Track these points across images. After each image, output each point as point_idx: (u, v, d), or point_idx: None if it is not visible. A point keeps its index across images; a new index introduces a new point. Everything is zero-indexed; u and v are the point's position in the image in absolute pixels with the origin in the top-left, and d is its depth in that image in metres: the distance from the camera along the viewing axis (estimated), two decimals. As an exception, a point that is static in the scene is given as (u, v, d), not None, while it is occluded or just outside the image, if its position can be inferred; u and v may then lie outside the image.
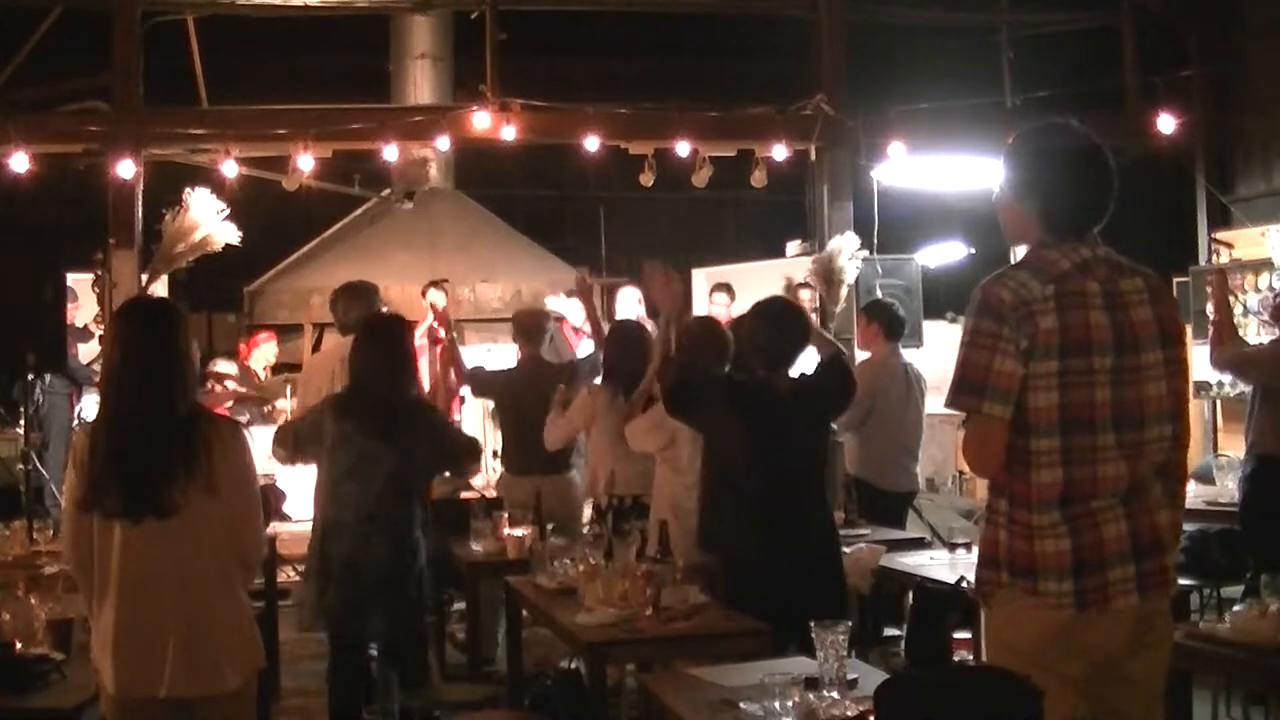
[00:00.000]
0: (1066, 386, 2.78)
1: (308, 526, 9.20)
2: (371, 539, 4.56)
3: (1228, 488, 6.66)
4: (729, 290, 9.51)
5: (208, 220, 8.52)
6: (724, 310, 9.10)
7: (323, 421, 4.67)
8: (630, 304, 8.91)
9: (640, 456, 5.71)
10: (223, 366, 10.04)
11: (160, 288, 8.83)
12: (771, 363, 4.74)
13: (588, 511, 6.43)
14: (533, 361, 6.66)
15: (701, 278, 10.50)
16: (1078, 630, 2.78)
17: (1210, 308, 6.70)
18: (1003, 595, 2.86)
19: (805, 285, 9.41)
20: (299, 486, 9.18)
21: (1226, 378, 8.45)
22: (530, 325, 6.74)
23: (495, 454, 7.97)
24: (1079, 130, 2.95)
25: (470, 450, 5.02)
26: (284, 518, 8.64)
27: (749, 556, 4.58)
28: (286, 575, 7.40)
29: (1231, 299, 7.07)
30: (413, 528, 4.65)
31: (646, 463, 5.71)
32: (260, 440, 8.41)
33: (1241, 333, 8.65)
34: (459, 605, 6.80)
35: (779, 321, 4.79)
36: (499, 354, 8.82)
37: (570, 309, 9.11)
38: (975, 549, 5.20)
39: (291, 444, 4.79)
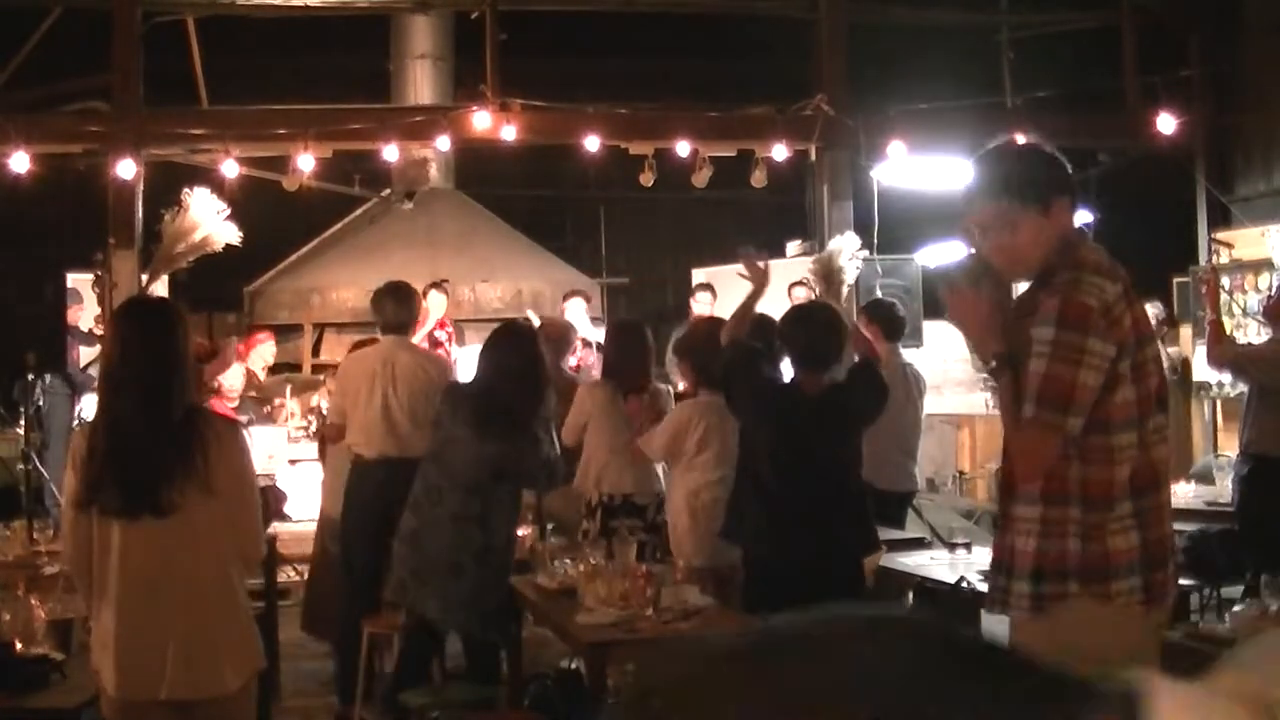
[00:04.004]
0: (1137, 380, 2.81)
1: (309, 526, 9.23)
2: (438, 522, 4.65)
3: (1227, 488, 6.67)
4: (711, 290, 9.65)
5: (208, 220, 8.51)
6: (707, 309, 9.27)
7: (437, 405, 4.92)
8: (579, 313, 8.99)
9: (635, 456, 5.70)
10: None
11: (160, 288, 8.81)
12: (804, 365, 4.72)
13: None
14: (552, 371, 6.67)
15: (702, 277, 10.52)
16: (1145, 628, 2.82)
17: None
18: (1070, 606, 2.79)
19: (802, 284, 9.45)
20: (299, 487, 9.20)
21: (1226, 377, 8.46)
22: (558, 335, 6.82)
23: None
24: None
25: (550, 472, 5.07)
26: (284, 518, 8.64)
27: (766, 552, 4.58)
28: (286, 575, 7.41)
29: (1225, 297, 7.08)
30: (485, 525, 4.68)
31: (641, 462, 5.71)
32: (260, 440, 8.48)
33: (1242, 333, 8.68)
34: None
35: (813, 326, 4.79)
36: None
37: (575, 313, 9.15)
38: (976, 550, 5.24)
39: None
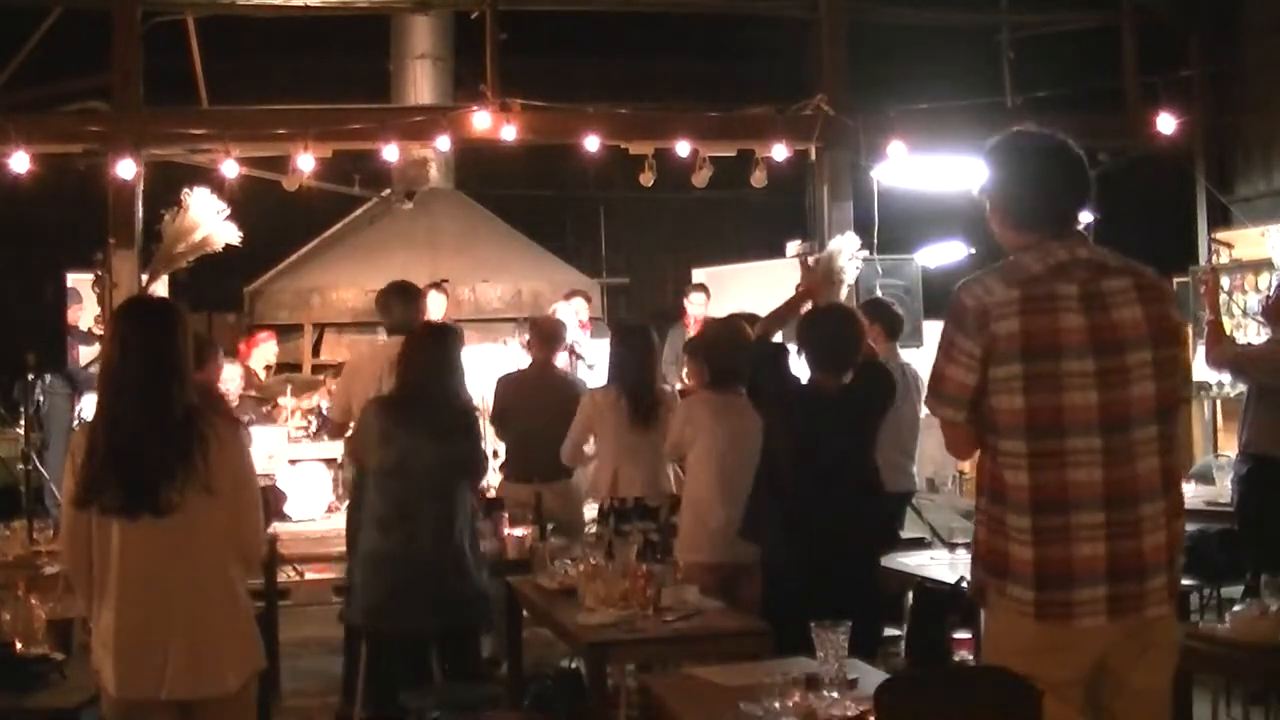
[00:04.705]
0: (1032, 390, 2.78)
1: (309, 526, 9.20)
2: (415, 535, 4.67)
3: (1227, 488, 6.66)
4: (705, 291, 9.67)
5: (208, 220, 8.52)
6: (701, 310, 9.29)
7: (371, 421, 4.84)
8: (568, 316, 9.01)
9: (644, 458, 5.71)
10: (226, 369, 10.04)
11: (160, 288, 8.82)
12: (823, 367, 4.70)
13: (589, 514, 6.43)
14: (544, 368, 6.65)
15: (702, 277, 10.53)
16: (1050, 638, 2.79)
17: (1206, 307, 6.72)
18: (988, 595, 2.90)
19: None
20: (299, 487, 9.20)
21: (1226, 377, 8.46)
22: (550, 332, 6.75)
23: (495, 454, 7.97)
24: (1041, 133, 2.99)
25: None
26: (284, 518, 8.65)
27: (784, 553, 4.58)
28: (286, 575, 7.41)
29: (1225, 297, 7.08)
30: (454, 524, 4.74)
31: (651, 464, 5.71)
32: (260, 440, 8.48)
33: (1242, 333, 8.68)
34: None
35: (833, 327, 4.77)
36: (504, 355, 8.83)
37: (569, 315, 9.16)
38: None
39: (352, 453, 5.01)
